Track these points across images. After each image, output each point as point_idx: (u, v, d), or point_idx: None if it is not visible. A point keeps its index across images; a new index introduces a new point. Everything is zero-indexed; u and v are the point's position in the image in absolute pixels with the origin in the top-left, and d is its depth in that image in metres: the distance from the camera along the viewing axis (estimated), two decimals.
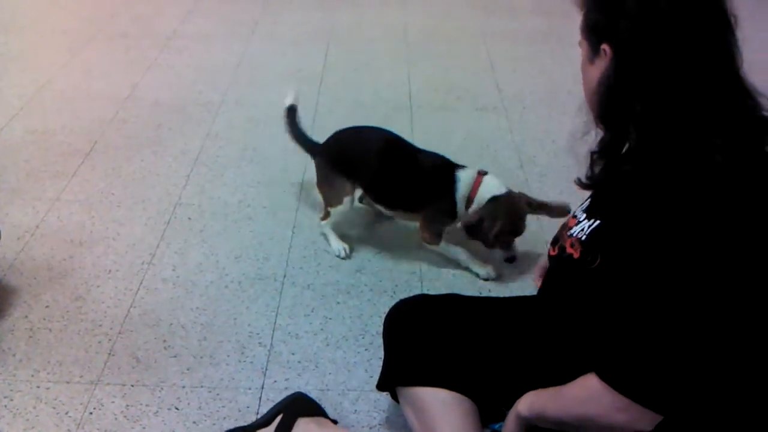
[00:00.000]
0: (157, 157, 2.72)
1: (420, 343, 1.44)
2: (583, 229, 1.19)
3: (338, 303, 2.05)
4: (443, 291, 2.08)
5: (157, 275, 2.13)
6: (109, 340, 1.90)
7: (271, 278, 2.13)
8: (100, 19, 4.00)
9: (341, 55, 3.64)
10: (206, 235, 2.31)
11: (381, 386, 1.54)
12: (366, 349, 1.89)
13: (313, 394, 1.72)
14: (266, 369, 1.83)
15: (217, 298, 2.05)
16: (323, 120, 3.00)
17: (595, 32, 1.15)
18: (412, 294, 2.05)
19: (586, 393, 1.12)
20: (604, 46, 1.12)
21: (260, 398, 1.74)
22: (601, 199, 1.23)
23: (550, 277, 1.37)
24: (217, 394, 1.75)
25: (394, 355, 1.50)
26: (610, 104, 1.15)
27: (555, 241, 1.31)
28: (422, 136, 2.89)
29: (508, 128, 2.98)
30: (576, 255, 1.18)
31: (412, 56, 3.65)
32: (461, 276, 2.16)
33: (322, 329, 1.95)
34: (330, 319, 1.99)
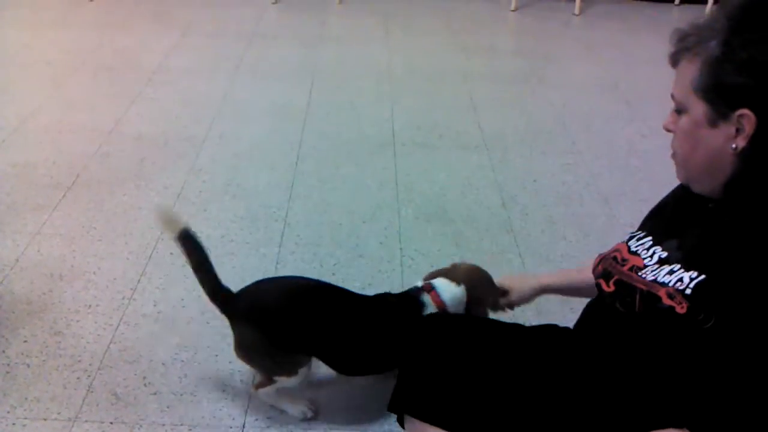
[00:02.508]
0: (140, 192, 2.72)
1: (438, 374, 1.30)
2: (681, 280, 1.12)
3: None
4: None
5: (137, 310, 2.11)
6: (88, 376, 1.87)
7: None
8: (85, 51, 4.01)
9: (325, 92, 3.67)
10: (188, 271, 2.26)
11: (391, 407, 1.39)
12: (350, 386, 1.87)
13: None
14: (248, 406, 1.81)
15: (199, 334, 2.03)
16: (307, 156, 3.01)
17: (729, 95, 1.08)
18: None
19: None
20: (743, 112, 1.07)
21: None
22: (697, 252, 1.16)
23: (611, 318, 1.25)
24: None
25: (408, 377, 1.35)
26: (741, 171, 1.11)
27: (607, 275, 1.26)
28: (405, 174, 2.92)
29: (490, 167, 3.02)
30: (681, 310, 1.11)
31: (396, 94, 3.69)
32: None
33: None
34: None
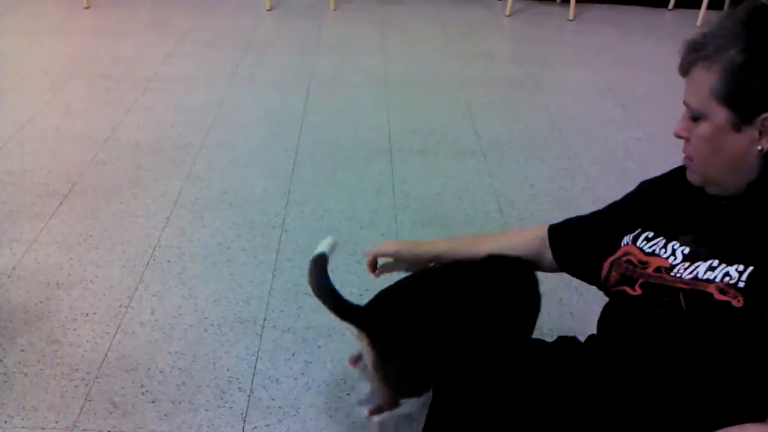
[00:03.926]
0: (137, 199, 2.72)
1: (471, 399, 1.26)
2: (728, 274, 1.14)
3: (319, 347, 2.04)
4: None
5: (135, 318, 2.11)
6: (86, 384, 1.87)
7: (251, 322, 2.12)
8: (81, 59, 4.02)
9: (321, 99, 3.68)
10: (185, 278, 2.30)
11: None
12: (348, 394, 1.87)
13: None
14: (246, 415, 1.81)
15: (196, 342, 2.03)
16: (303, 163, 3.02)
17: (754, 101, 1.13)
18: None
19: None
20: None
21: None
22: (734, 243, 1.18)
23: (646, 320, 1.23)
24: None
25: (440, 404, 1.32)
26: (766, 170, 1.16)
27: (629, 281, 1.25)
28: (402, 180, 2.92)
29: (487, 172, 3.02)
30: (737, 304, 1.11)
31: (392, 101, 3.70)
32: None
33: (302, 374, 1.94)
34: (311, 363, 1.98)
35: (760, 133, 1.13)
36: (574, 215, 1.57)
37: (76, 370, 1.92)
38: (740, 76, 1.12)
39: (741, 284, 1.12)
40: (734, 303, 1.11)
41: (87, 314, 2.12)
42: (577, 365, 1.32)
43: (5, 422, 1.74)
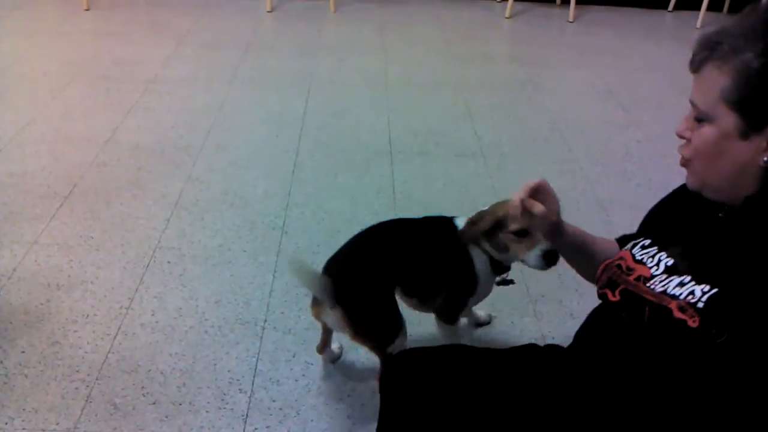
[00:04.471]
0: (137, 201, 2.72)
1: (420, 417, 1.26)
2: (693, 293, 1.10)
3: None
4: (427, 335, 2.08)
5: (135, 320, 2.11)
6: (87, 386, 1.87)
7: (252, 323, 2.12)
8: (81, 61, 4.02)
9: (321, 101, 3.68)
10: (186, 279, 2.30)
11: None
12: (348, 396, 1.87)
13: None
14: (247, 416, 1.81)
15: (197, 344, 2.03)
16: (304, 165, 3.02)
17: (765, 108, 1.06)
18: None
19: None
20: None
21: None
22: (710, 262, 1.14)
23: (617, 329, 1.23)
24: None
25: (390, 414, 1.33)
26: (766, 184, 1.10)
27: (613, 285, 1.24)
28: (402, 181, 2.92)
29: (487, 174, 3.03)
30: (693, 324, 1.08)
31: (392, 102, 3.70)
32: None
33: (303, 375, 1.94)
34: (311, 364, 1.98)
35: (767, 142, 1.07)
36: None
37: (77, 371, 1.92)
38: (755, 82, 1.05)
39: (700, 304, 1.09)
40: (690, 323, 1.09)
41: (87, 316, 2.12)
42: (549, 372, 1.32)
43: (6, 424, 1.74)
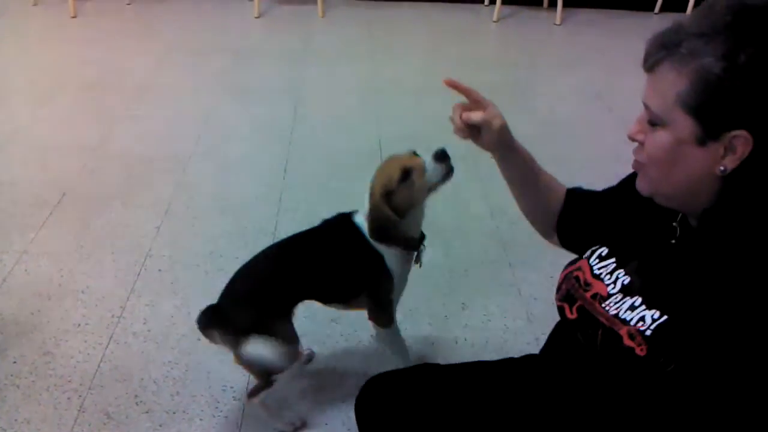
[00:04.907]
0: (127, 209, 2.71)
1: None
2: (643, 319, 1.06)
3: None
4: (420, 338, 2.09)
5: (127, 329, 2.10)
6: (79, 396, 1.86)
7: None
8: (70, 69, 4.00)
9: (311, 107, 3.68)
10: (178, 287, 2.29)
11: None
12: (342, 401, 1.87)
13: None
14: (241, 424, 1.80)
15: (190, 352, 2.02)
16: (294, 171, 3.02)
17: (726, 116, 0.97)
18: None
19: None
20: (739, 133, 0.96)
21: None
22: (661, 288, 1.09)
23: (573, 349, 1.21)
24: None
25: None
26: (723, 195, 1.02)
27: (571, 300, 1.20)
28: None
29: (478, 177, 3.03)
30: (641, 353, 1.04)
31: (381, 106, 3.70)
32: (437, 324, 2.17)
33: (297, 381, 1.94)
34: (305, 370, 1.97)
35: (725, 150, 0.98)
36: None
37: (69, 381, 1.91)
38: (715, 87, 0.96)
39: (648, 332, 1.04)
40: (638, 351, 1.05)
41: (79, 325, 2.11)
42: (521, 388, 1.31)
43: None
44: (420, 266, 1.76)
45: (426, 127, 3.50)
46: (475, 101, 1.39)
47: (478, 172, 3.08)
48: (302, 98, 3.76)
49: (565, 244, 1.45)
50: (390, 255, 1.69)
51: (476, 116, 1.37)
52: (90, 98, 3.67)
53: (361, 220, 1.70)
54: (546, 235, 1.51)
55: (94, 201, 2.75)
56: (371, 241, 1.66)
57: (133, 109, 3.56)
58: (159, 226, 2.60)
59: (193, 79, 3.98)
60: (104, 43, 4.44)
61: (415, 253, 1.74)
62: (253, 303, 1.66)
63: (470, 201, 2.85)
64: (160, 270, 2.36)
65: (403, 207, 1.65)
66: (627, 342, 1.06)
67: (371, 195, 1.65)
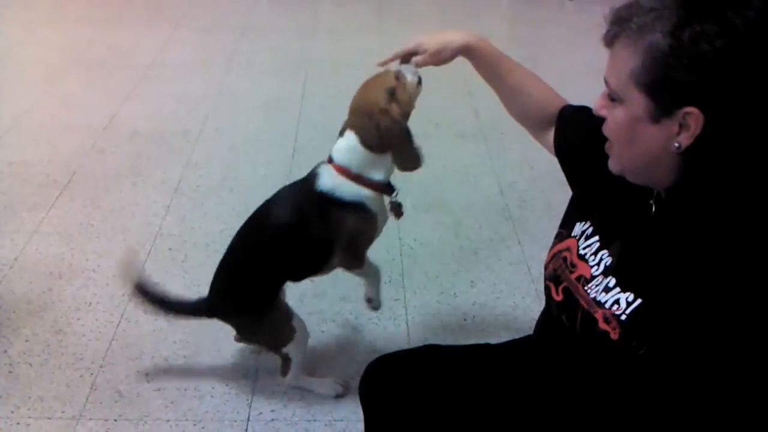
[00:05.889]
0: (137, 188, 2.71)
1: (403, 420, 1.28)
2: (618, 302, 1.07)
3: (323, 332, 2.05)
4: (429, 315, 2.09)
5: (138, 307, 2.11)
6: (91, 374, 1.87)
7: None
8: (78, 48, 3.99)
9: (319, 83, 3.66)
10: (188, 266, 2.30)
11: None
12: (352, 379, 1.88)
13: (300, 426, 1.71)
14: (251, 401, 1.81)
15: (200, 330, 2.03)
16: (303, 148, 3.01)
17: (676, 92, 0.96)
18: (396, 320, 2.07)
19: None
20: (690, 110, 0.95)
21: (246, 430, 1.73)
22: (636, 270, 1.09)
23: (558, 332, 1.21)
24: (203, 427, 1.73)
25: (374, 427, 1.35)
26: (684, 172, 1.02)
27: (557, 280, 1.21)
28: None
29: (487, 155, 3.02)
30: (614, 336, 1.06)
31: None
32: (446, 302, 2.17)
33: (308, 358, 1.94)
34: (315, 348, 1.98)
35: (680, 127, 0.97)
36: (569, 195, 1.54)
37: (81, 359, 1.92)
38: (664, 64, 0.94)
39: (623, 317, 1.05)
40: (612, 335, 1.06)
41: (90, 304, 2.12)
42: (521, 370, 1.32)
43: (12, 412, 1.75)
44: (398, 218, 1.79)
45: (436, 104, 3.47)
46: (410, 53, 1.67)
47: (487, 149, 3.06)
48: (311, 75, 3.74)
49: (562, 164, 1.46)
50: (371, 199, 1.70)
51: (420, 59, 1.65)
52: (99, 77, 3.67)
53: (329, 178, 1.73)
54: (534, 135, 1.62)
55: (104, 180, 2.75)
56: (345, 194, 1.69)
57: (142, 87, 3.55)
58: (169, 205, 2.60)
59: (202, 56, 3.96)
60: (113, 21, 4.43)
61: (390, 202, 1.75)
62: (235, 296, 1.76)
63: (479, 179, 2.84)
64: (170, 249, 2.37)
65: (404, 109, 1.75)
66: (602, 325, 1.08)
67: (368, 112, 1.75)
